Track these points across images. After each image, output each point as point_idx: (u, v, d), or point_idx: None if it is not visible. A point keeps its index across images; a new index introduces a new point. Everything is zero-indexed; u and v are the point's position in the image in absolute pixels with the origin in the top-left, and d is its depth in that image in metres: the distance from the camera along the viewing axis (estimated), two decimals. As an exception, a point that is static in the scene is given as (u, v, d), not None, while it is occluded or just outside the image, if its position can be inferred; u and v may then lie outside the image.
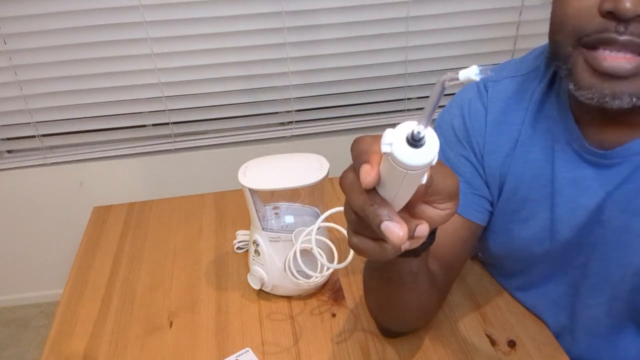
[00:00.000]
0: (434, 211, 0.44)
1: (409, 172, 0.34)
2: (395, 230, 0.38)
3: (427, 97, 1.84)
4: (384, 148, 0.34)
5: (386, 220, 0.38)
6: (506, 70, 0.71)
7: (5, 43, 1.39)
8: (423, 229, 0.42)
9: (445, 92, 0.32)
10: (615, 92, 0.53)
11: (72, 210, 1.63)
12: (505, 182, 0.70)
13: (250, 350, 0.76)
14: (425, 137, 0.33)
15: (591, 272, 0.67)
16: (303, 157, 0.84)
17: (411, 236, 0.41)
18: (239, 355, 0.75)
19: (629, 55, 0.51)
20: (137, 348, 0.78)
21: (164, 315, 0.83)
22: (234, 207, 1.09)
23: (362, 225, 0.41)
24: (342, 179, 0.42)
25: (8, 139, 1.55)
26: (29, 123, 1.51)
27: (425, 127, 0.33)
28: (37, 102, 1.49)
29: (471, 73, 0.29)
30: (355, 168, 0.40)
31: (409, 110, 1.67)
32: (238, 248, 0.97)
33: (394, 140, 0.34)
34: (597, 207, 0.63)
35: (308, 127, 1.64)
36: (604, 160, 0.61)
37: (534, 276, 0.75)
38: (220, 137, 1.62)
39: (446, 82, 0.30)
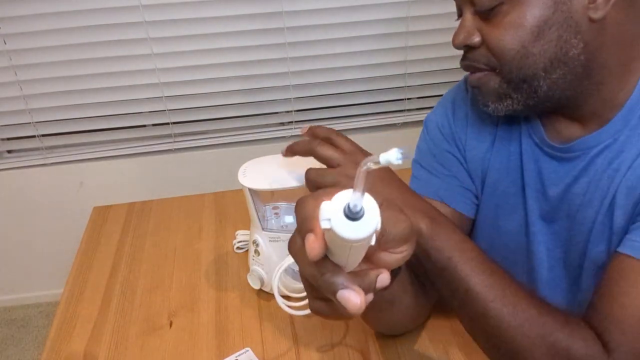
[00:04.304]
0: (391, 256, 0.42)
1: (353, 244, 0.33)
2: (352, 299, 0.37)
3: (427, 97, 1.82)
4: (323, 224, 0.32)
5: (341, 289, 0.37)
6: None
7: (5, 43, 1.39)
8: (384, 278, 0.40)
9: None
10: (479, 102, 0.65)
11: (72, 210, 1.63)
12: (487, 176, 0.72)
13: (250, 350, 0.76)
14: (362, 208, 0.31)
15: (568, 264, 0.68)
16: (303, 157, 0.83)
17: (373, 289, 0.40)
18: (239, 355, 0.75)
19: (478, 74, 0.63)
20: (137, 348, 0.78)
21: (164, 315, 0.83)
22: (234, 207, 1.09)
23: (318, 290, 0.40)
24: (289, 246, 0.40)
25: (8, 139, 1.55)
26: (29, 123, 1.51)
27: (361, 197, 0.31)
28: (37, 102, 1.49)
29: (392, 157, 0.29)
30: (301, 235, 0.38)
31: (408, 110, 1.67)
32: (238, 248, 0.97)
33: (332, 215, 0.32)
34: (561, 199, 0.65)
35: (308, 127, 1.64)
36: (563, 154, 0.64)
37: (518, 272, 0.75)
38: (220, 137, 1.62)
39: (369, 165, 0.30)
